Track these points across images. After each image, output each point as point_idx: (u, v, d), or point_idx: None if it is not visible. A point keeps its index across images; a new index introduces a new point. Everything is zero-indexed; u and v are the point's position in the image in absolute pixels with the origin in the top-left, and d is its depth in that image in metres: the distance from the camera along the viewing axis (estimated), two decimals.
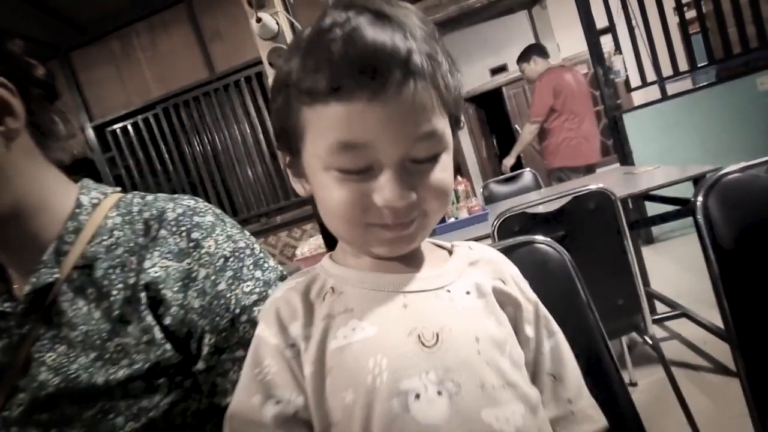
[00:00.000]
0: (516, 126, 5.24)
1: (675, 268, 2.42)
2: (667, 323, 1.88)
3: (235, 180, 3.39)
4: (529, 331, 0.40)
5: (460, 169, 5.08)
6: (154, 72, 3.30)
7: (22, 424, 0.43)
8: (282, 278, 0.52)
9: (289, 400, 0.34)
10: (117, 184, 3.43)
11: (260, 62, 3.25)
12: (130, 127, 3.35)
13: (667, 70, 2.89)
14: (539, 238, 0.67)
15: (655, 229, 3.02)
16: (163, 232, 0.47)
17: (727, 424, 1.24)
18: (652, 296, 2.03)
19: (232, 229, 0.51)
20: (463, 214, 1.85)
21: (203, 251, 0.47)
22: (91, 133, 3.33)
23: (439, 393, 0.32)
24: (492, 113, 5.69)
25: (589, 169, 2.86)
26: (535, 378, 0.40)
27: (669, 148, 2.89)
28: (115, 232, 0.48)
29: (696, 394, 1.43)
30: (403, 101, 0.31)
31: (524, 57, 2.91)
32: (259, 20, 0.86)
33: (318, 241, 2.01)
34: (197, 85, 3.24)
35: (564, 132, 2.70)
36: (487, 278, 0.40)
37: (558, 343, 0.42)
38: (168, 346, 0.45)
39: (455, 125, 0.36)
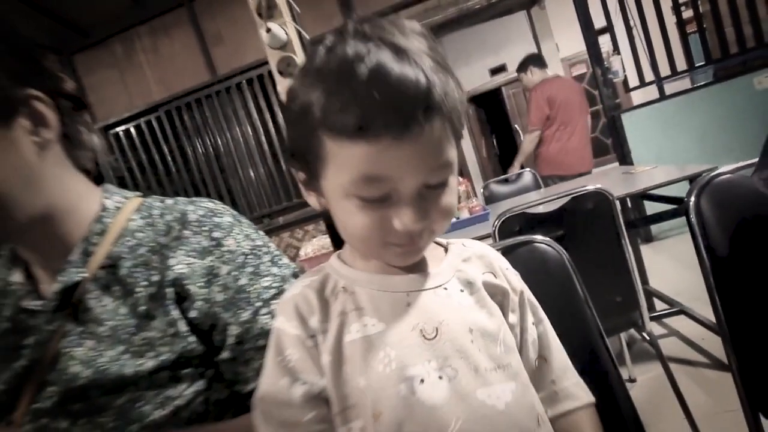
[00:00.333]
0: (515, 126, 5.27)
1: (673, 266, 2.45)
2: (666, 320, 1.91)
3: (237, 181, 3.42)
4: (512, 318, 0.45)
5: (461, 169, 5.10)
6: (156, 74, 3.33)
7: (53, 414, 0.46)
8: (295, 275, 0.55)
9: (314, 382, 0.38)
10: (120, 186, 3.44)
11: (262, 64, 3.30)
12: (132, 130, 3.38)
13: (665, 70, 2.92)
14: (538, 237, 0.69)
15: (654, 228, 3.05)
16: (186, 232, 0.50)
17: (723, 418, 1.26)
18: (650, 294, 2.06)
19: (248, 228, 0.54)
20: (464, 215, 1.87)
21: (224, 249, 0.50)
22: None
23: (440, 377, 0.37)
24: (491, 113, 5.72)
25: (580, 177, 2.91)
26: (522, 359, 0.44)
27: (667, 147, 2.92)
28: (138, 234, 0.50)
29: (693, 389, 1.45)
30: (424, 138, 0.34)
31: (522, 67, 2.98)
32: (268, 30, 0.88)
33: (321, 242, 2.03)
34: (199, 88, 3.27)
35: (554, 142, 2.77)
36: (478, 273, 0.45)
37: (545, 330, 0.47)
38: (192, 339, 0.48)
39: (458, 141, 0.39)
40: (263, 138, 3.32)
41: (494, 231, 1.20)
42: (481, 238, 1.46)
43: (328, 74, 0.35)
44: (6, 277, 0.52)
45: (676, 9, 2.86)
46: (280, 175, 3.36)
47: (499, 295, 0.44)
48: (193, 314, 0.48)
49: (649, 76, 2.92)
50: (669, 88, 2.97)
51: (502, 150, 5.85)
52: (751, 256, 0.69)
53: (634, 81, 2.96)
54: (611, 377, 0.62)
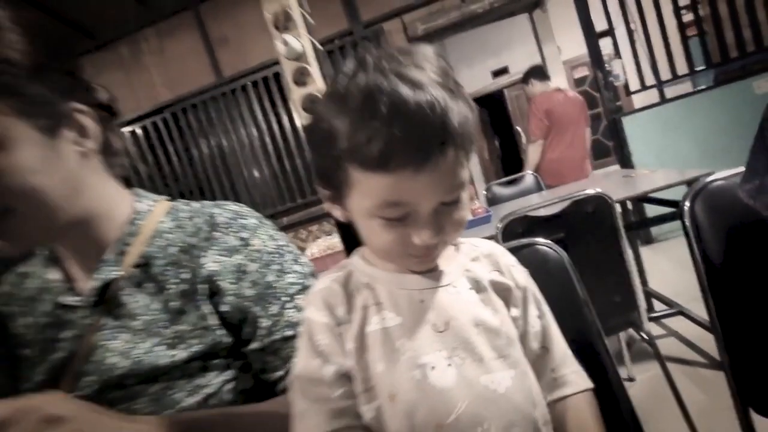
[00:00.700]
0: (517, 128, 5.30)
1: (673, 268, 2.48)
2: (664, 321, 1.94)
3: (241, 182, 3.46)
4: (515, 311, 0.49)
5: None
6: (163, 77, 3.38)
7: (90, 401, 0.50)
8: (313, 273, 0.59)
9: (342, 363, 0.42)
10: (125, 186, 3.49)
11: (266, 67, 3.34)
12: (138, 131, 3.43)
13: (666, 73, 2.96)
14: (540, 240, 0.73)
15: (654, 230, 3.09)
16: (216, 233, 0.54)
17: (720, 416, 1.29)
18: (650, 295, 2.09)
19: (271, 229, 0.58)
20: (468, 216, 1.91)
21: (252, 248, 0.54)
22: None
23: (449, 365, 0.42)
24: (494, 115, 5.75)
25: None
26: (524, 350, 0.48)
27: (668, 150, 2.95)
28: (168, 235, 0.54)
29: (691, 388, 1.49)
30: (439, 167, 0.38)
31: (524, 79, 3.13)
32: (285, 42, 0.93)
33: (327, 242, 2.08)
34: (204, 90, 3.32)
35: (549, 152, 2.86)
36: (486, 272, 0.49)
37: (548, 323, 0.51)
38: (221, 332, 0.52)
39: (469, 159, 0.43)
40: (267, 139, 3.36)
41: (498, 233, 1.23)
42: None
43: (351, 107, 0.38)
44: (44, 274, 0.56)
45: (677, 13, 2.90)
46: (284, 176, 3.40)
47: (504, 291, 0.48)
48: (224, 308, 0.52)
49: (650, 79, 2.96)
50: (670, 91, 3.00)
51: (504, 152, 5.88)
52: (743, 259, 0.73)
53: (635, 84, 3.00)
54: (610, 376, 0.65)
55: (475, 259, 0.50)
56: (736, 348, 0.74)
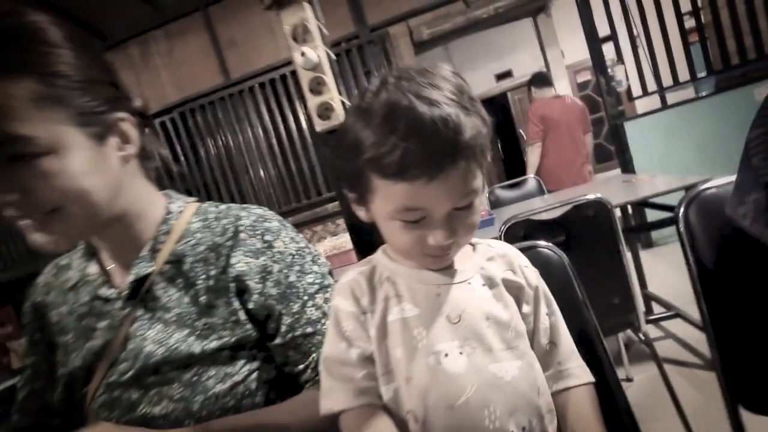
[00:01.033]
0: (520, 130, 5.34)
1: (672, 271, 2.52)
2: (663, 323, 1.98)
3: (247, 181, 3.51)
4: (526, 308, 0.53)
5: None
6: (171, 78, 3.43)
7: (126, 386, 0.54)
8: (330, 272, 0.63)
9: (365, 347, 0.47)
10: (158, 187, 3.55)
11: (273, 69, 3.39)
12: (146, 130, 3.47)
13: (668, 79, 2.99)
14: (542, 243, 0.77)
15: (655, 234, 3.12)
16: (242, 235, 0.58)
17: (715, 416, 1.33)
18: (649, 297, 2.13)
19: (292, 232, 0.63)
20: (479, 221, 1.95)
21: (275, 250, 0.59)
22: None
23: (461, 353, 0.46)
24: (497, 118, 5.79)
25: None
26: (533, 343, 0.52)
27: (670, 155, 2.99)
28: (197, 234, 0.59)
29: (687, 388, 1.53)
30: (452, 176, 0.42)
31: (528, 87, 3.20)
32: (303, 54, 0.97)
33: (332, 242, 2.13)
34: (212, 91, 3.37)
35: (546, 158, 2.97)
36: (500, 271, 0.53)
37: (556, 320, 0.55)
38: (249, 326, 0.56)
39: (483, 169, 0.47)
40: (273, 140, 3.41)
41: (500, 236, 1.28)
42: None
43: (374, 122, 0.43)
44: (83, 268, 0.61)
45: (679, 19, 2.93)
46: (289, 176, 3.45)
47: (515, 289, 0.52)
48: (251, 305, 0.56)
49: (652, 85, 2.99)
50: (672, 97, 3.04)
51: (507, 154, 5.93)
52: (734, 263, 0.77)
53: (638, 90, 3.03)
54: (607, 374, 0.69)
55: (491, 258, 0.54)
56: (728, 347, 0.78)
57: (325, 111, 1.03)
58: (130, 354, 0.55)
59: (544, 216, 1.33)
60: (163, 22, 3.37)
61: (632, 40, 3.02)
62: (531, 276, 0.55)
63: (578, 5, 2.97)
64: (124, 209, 0.56)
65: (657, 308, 2.12)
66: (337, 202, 3.36)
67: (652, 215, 2.54)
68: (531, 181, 2.68)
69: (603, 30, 2.99)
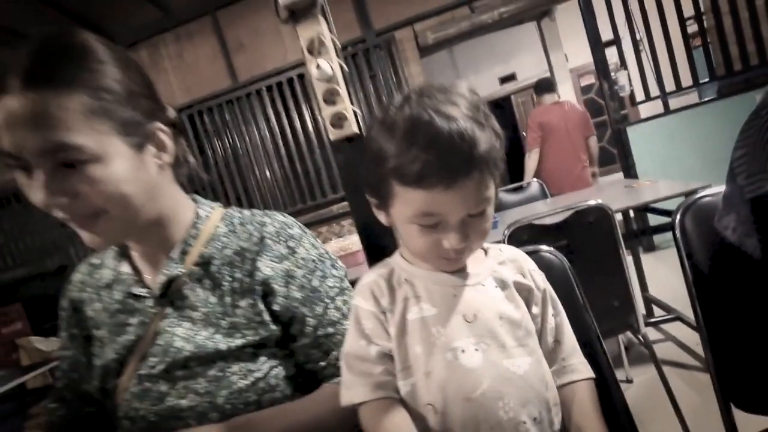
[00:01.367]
0: (523, 133, 5.38)
1: (673, 275, 2.54)
2: (663, 326, 2.02)
3: (253, 183, 3.56)
4: (535, 310, 0.56)
5: None
6: (180, 80, 3.48)
7: (155, 379, 0.59)
8: (345, 275, 0.68)
9: (384, 345, 0.51)
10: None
11: (280, 73, 3.44)
12: None
13: (670, 85, 3.02)
14: (543, 247, 0.81)
15: (657, 238, 3.15)
16: (267, 241, 0.62)
17: (712, 417, 1.37)
18: (649, 301, 2.16)
19: (312, 239, 0.67)
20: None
21: (299, 256, 0.63)
22: None
23: (476, 350, 0.50)
24: (500, 121, 5.82)
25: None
26: (541, 341, 0.56)
27: (672, 160, 3.02)
28: (223, 238, 0.63)
29: (685, 389, 1.56)
30: (466, 186, 0.47)
31: (534, 91, 3.31)
32: (318, 66, 1.02)
33: (338, 244, 2.17)
34: (220, 93, 3.42)
35: (544, 163, 3.08)
36: (511, 273, 0.57)
37: (561, 320, 0.59)
38: (273, 326, 0.60)
39: (496, 179, 0.51)
40: (280, 142, 3.46)
41: (504, 239, 1.32)
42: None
43: (397, 134, 0.48)
44: (117, 267, 0.65)
45: (681, 25, 2.96)
46: (295, 178, 3.49)
47: (525, 292, 0.56)
48: (276, 307, 0.61)
49: (655, 90, 3.03)
50: (675, 102, 3.07)
51: (510, 157, 5.95)
52: (727, 269, 0.80)
53: (641, 94, 3.07)
54: (606, 376, 0.72)
55: (502, 262, 0.58)
56: (721, 349, 0.82)
57: (339, 120, 1.08)
58: (160, 349, 0.59)
59: (547, 221, 1.37)
60: (172, 26, 3.42)
61: (635, 44, 3.06)
62: (539, 279, 0.59)
63: (582, 11, 3.00)
64: (159, 213, 0.60)
65: (657, 311, 2.15)
66: (342, 204, 3.40)
67: (654, 219, 2.58)
68: (534, 184, 2.72)
69: (606, 34, 3.03)
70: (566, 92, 5.15)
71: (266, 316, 0.60)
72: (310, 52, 1.02)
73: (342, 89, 1.04)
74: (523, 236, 1.34)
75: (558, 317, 0.59)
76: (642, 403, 1.57)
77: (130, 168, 0.54)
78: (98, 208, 0.53)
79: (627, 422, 0.73)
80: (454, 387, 0.49)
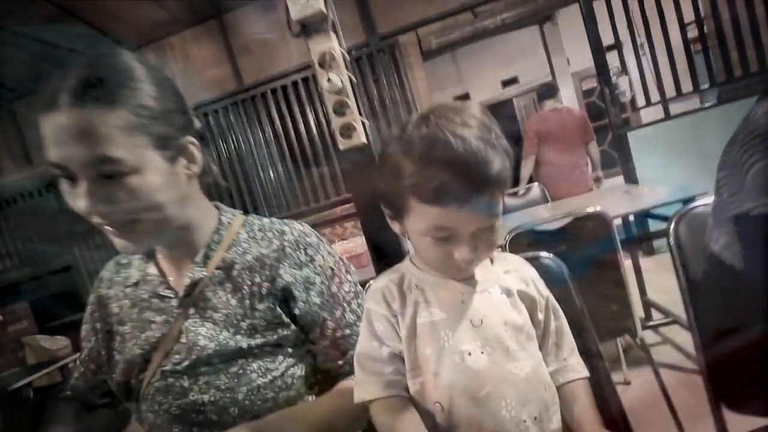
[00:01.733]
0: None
1: (672, 279, 2.57)
2: (661, 329, 2.05)
3: (257, 184, 3.60)
4: (540, 316, 0.60)
5: None
6: (186, 83, 3.52)
7: (179, 375, 0.62)
8: (357, 279, 0.72)
9: (394, 346, 0.54)
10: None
11: (284, 76, 3.49)
12: None
13: (671, 90, 3.05)
14: (543, 254, 0.84)
15: (657, 242, 3.18)
16: (288, 249, 0.66)
17: (708, 419, 1.41)
18: (648, 304, 2.19)
19: (328, 246, 0.71)
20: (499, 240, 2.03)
21: (317, 263, 0.67)
22: None
23: (482, 353, 0.53)
24: (503, 124, 5.85)
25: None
26: (542, 344, 0.60)
27: (673, 166, 3.04)
28: (244, 244, 0.67)
29: (683, 392, 1.59)
30: (481, 203, 0.50)
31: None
32: (329, 80, 1.06)
33: (342, 246, 2.21)
34: (226, 96, 3.46)
35: (542, 168, 3.14)
36: (515, 282, 0.61)
37: (561, 324, 0.63)
38: (291, 328, 0.64)
39: (504, 194, 0.55)
40: (284, 144, 3.50)
41: (505, 244, 1.35)
42: None
43: (414, 153, 0.51)
44: (144, 269, 0.70)
45: (682, 31, 2.99)
46: (299, 180, 3.53)
47: (528, 300, 0.60)
48: (297, 311, 0.65)
49: (656, 95, 3.06)
50: (677, 108, 3.10)
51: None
52: (718, 275, 0.84)
53: (642, 99, 3.10)
54: (602, 378, 0.74)
55: (507, 271, 0.62)
56: (713, 351, 0.86)
57: (348, 131, 1.12)
58: (184, 346, 0.63)
59: (547, 227, 1.41)
60: (178, 29, 3.46)
61: (636, 49, 3.09)
62: (541, 287, 0.63)
63: (584, 17, 3.04)
64: (187, 220, 0.65)
65: (656, 314, 2.18)
66: (345, 206, 3.44)
67: (653, 224, 2.61)
68: (535, 189, 2.76)
69: (608, 37, 3.06)
70: (568, 96, 5.17)
71: (284, 318, 0.64)
72: (321, 65, 1.07)
73: (351, 101, 1.09)
74: (523, 241, 1.38)
75: (558, 321, 0.62)
76: (639, 405, 1.60)
77: (164, 179, 0.59)
78: (134, 216, 0.57)
79: (623, 424, 0.76)
80: (460, 387, 0.52)
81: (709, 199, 0.89)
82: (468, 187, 0.49)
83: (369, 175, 0.58)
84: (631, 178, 3.02)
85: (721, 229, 0.71)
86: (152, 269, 0.69)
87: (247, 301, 0.64)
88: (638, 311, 1.45)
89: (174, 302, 0.66)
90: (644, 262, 2.46)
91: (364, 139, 1.15)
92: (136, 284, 0.69)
